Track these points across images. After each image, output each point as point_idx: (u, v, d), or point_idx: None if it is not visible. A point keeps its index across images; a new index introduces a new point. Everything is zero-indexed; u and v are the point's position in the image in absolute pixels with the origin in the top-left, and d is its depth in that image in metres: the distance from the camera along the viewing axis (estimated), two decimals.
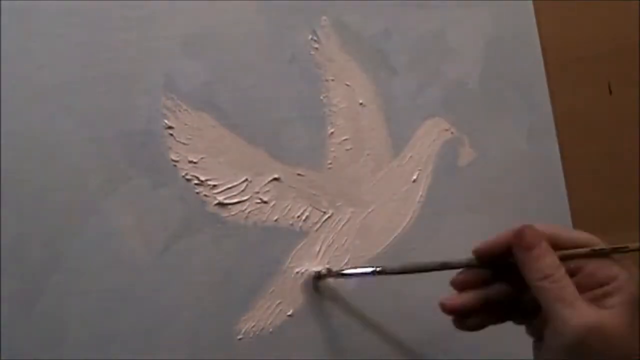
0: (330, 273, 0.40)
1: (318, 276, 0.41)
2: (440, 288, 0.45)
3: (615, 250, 0.32)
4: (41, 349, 0.35)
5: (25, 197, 0.35)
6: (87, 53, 0.37)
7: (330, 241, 0.42)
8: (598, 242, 0.32)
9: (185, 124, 0.38)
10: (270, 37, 0.41)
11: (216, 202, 0.39)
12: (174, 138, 0.38)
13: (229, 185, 0.39)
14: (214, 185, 0.39)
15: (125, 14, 0.38)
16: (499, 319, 0.35)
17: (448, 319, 0.45)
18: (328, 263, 0.42)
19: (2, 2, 0.35)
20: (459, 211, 0.46)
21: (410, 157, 0.45)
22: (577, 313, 0.29)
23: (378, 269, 0.38)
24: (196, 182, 0.38)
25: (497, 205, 0.47)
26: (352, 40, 0.44)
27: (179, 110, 0.38)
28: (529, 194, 0.49)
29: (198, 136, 0.39)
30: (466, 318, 0.35)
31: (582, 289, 0.31)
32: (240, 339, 0.39)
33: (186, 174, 0.38)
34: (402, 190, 0.45)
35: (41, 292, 0.35)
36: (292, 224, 0.41)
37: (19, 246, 0.35)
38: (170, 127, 0.38)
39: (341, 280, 0.42)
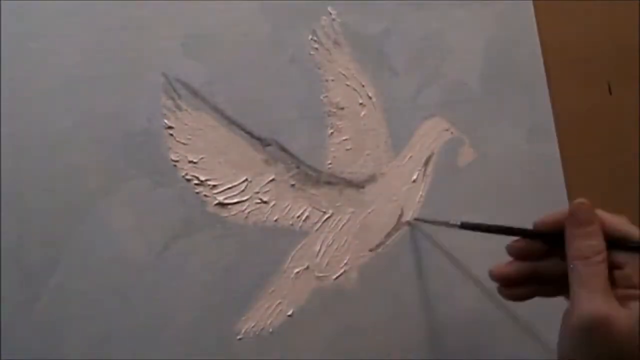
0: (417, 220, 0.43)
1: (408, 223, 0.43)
2: (441, 288, 0.45)
3: None
4: (41, 349, 0.35)
5: (25, 197, 0.35)
6: (87, 53, 0.37)
7: (330, 241, 0.42)
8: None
9: (185, 124, 0.38)
10: (270, 37, 0.41)
11: (216, 202, 0.39)
12: (174, 138, 0.38)
13: (229, 185, 0.39)
14: (214, 185, 0.39)
15: (125, 14, 0.38)
16: (549, 292, 0.35)
17: (448, 319, 0.45)
18: (328, 264, 0.42)
19: (2, 2, 0.35)
20: (459, 211, 0.46)
21: (410, 157, 0.45)
22: (590, 300, 0.29)
23: (459, 222, 0.39)
24: (196, 182, 0.38)
25: (497, 205, 0.47)
26: (352, 40, 0.44)
27: (179, 110, 0.38)
28: (529, 194, 0.49)
29: (198, 136, 0.39)
30: (513, 287, 0.35)
31: (615, 283, 0.30)
32: (240, 339, 0.39)
33: (186, 174, 0.38)
34: (402, 190, 0.45)
35: (41, 293, 0.35)
36: (292, 224, 0.41)
37: (19, 246, 0.35)
38: (170, 127, 0.38)
39: (341, 280, 0.42)
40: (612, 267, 0.31)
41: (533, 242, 0.35)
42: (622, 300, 0.30)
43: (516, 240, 0.35)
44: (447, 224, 0.40)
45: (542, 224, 0.34)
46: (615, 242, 0.32)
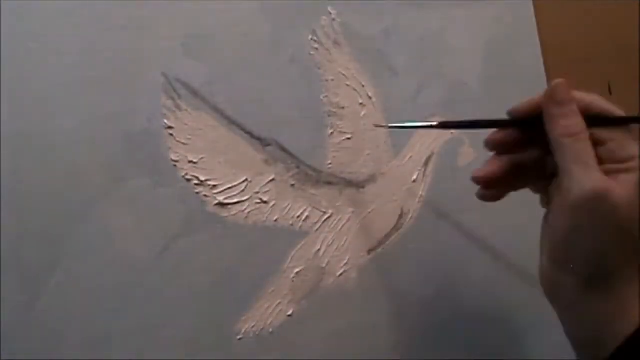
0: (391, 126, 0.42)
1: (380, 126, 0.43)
2: (440, 288, 0.45)
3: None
4: (41, 349, 0.35)
5: (25, 197, 0.35)
6: (87, 53, 0.37)
7: (330, 241, 0.42)
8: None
9: (185, 124, 0.38)
10: (270, 37, 0.41)
11: (216, 202, 0.39)
12: (174, 138, 0.38)
13: (229, 185, 0.39)
14: (214, 185, 0.39)
15: (125, 14, 0.38)
16: (520, 184, 0.35)
17: (448, 319, 0.45)
18: (328, 263, 0.42)
19: (2, 2, 0.35)
20: (459, 211, 0.46)
21: (410, 157, 0.45)
22: (589, 175, 0.29)
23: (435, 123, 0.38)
24: (196, 182, 0.38)
25: (496, 205, 0.47)
26: (352, 40, 0.44)
27: (179, 110, 0.38)
28: (528, 194, 0.49)
29: (198, 136, 0.39)
30: (491, 189, 0.35)
31: (599, 161, 0.30)
32: (240, 339, 0.39)
33: (186, 174, 0.38)
34: (402, 190, 0.45)
35: (41, 292, 0.35)
36: (292, 224, 0.41)
37: (19, 246, 0.35)
38: (170, 127, 0.38)
39: (341, 280, 0.42)
40: (593, 144, 0.31)
41: (511, 132, 0.34)
42: (610, 176, 0.30)
43: (494, 133, 0.35)
44: (424, 127, 0.40)
45: (517, 112, 0.34)
46: (594, 120, 0.31)
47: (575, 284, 0.30)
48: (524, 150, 0.34)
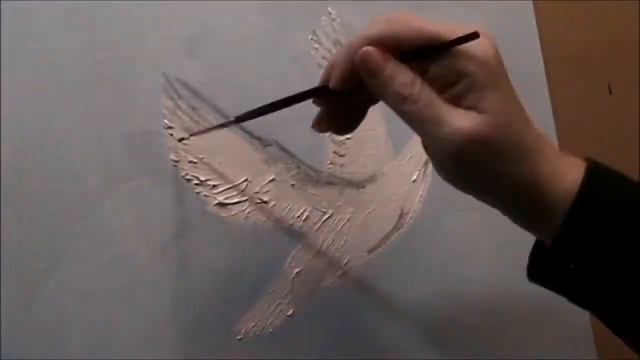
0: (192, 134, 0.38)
1: (180, 139, 0.38)
2: (440, 288, 0.45)
3: (460, 40, 0.27)
4: (41, 349, 0.35)
5: (25, 198, 0.35)
6: (87, 53, 0.37)
7: (330, 241, 0.42)
8: (444, 35, 0.28)
9: (186, 124, 0.38)
10: (270, 37, 0.41)
11: (216, 202, 0.39)
12: (174, 138, 0.38)
13: (229, 185, 0.39)
14: (214, 185, 0.39)
15: (125, 14, 0.38)
16: (366, 106, 0.33)
17: (448, 320, 0.45)
18: (328, 263, 0.42)
19: (2, 2, 0.35)
20: (459, 211, 0.46)
21: (410, 157, 0.45)
22: (446, 130, 0.27)
23: (232, 118, 0.36)
24: (196, 182, 0.38)
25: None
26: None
27: (179, 110, 0.38)
28: None
29: (198, 136, 0.39)
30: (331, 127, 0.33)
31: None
32: (240, 339, 0.39)
33: (186, 174, 0.38)
34: (402, 190, 0.45)
35: (41, 293, 0.35)
36: (292, 224, 0.41)
37: (19, 246, 0.35)
38: (170, 127, 0.38)
39: (341, 280, 0.42)
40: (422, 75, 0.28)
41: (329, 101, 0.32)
42: (454, 105, 0.27)
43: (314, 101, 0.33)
44: (221, 126, 0.37)
45: (331, 84, 0.30)
46: (408, 55, 0.28)
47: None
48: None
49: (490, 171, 0.28)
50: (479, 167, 0.28)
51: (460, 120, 0.27)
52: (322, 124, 0.33)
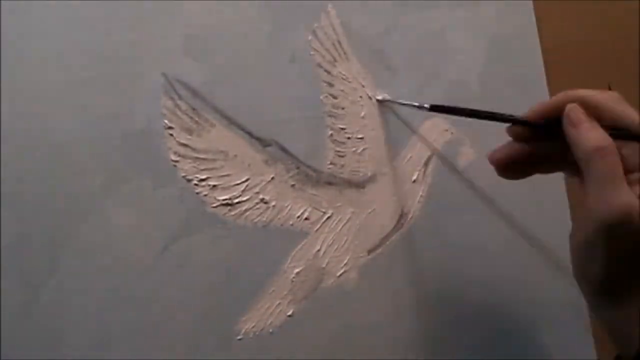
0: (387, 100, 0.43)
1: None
2: (440, 288, 0.45)
3: None
4: (41, 349, 0.35)
5: (25, 197, 0.35)
6: (87, 53, 0.37)
7: (330, 241, 0.42)
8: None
9: (186, 124, 0.38)
10: (270, 37, 0.41)
11: (216, 202, 0.39)
12: (174, 138, 0.38)
13: (229, 185, 0.39)
14: (214, 185, 0.39)
15: (125, 14, 0.38)
16: (547, 169, 0.35)
17: (448, 320, 0.45)
18: (328, 263, 0.42)
19: (2, 2, 0.35)
20: (459, 211, 0.46)
21: (410, 157, 0.45)
22: (620, 193, 0.28)
23: (427, 105, 0.39)
24: (196, 182, 0.38)
25: (497, 205, 0.47)
26: (352, 40, 0.44)
27: (179, 110, 0.38)
28: (528, 194, 0.49)
29: (198, 136, 0.39)
30: (508, 172, 0.35)
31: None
32: (240, 339, 0.39)
33: (186, 174, 0.38)
34: (402, 190, 0.45)
35: (41, 292, 0.35)
36: (292, 224, 0.41)
37: (19, 246, 0.35)
38: (170, 127, 0.38)
39: (341, 280, 0.42)
40: None
41: (530, 130, 0.34)
42: (633, 187, 0.29)
43: (513, 126, 0.35)
44: (416, 106, 0.40)
45: (534, 113, 0.33)
46: (615, 134, 0.30)
47: (591, 292, 0.31)
48: (546, 141, 0.33)
49: (619, 258, 0.29)
50: (616, 247, 0.29)
51: (631, 197, 0.28)
52: (497, 156, 0.35)
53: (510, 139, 0.35)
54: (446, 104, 0.47)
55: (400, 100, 0.43)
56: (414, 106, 0.41)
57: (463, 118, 0.47)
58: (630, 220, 0.28)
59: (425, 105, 0.39)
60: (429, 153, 0.46)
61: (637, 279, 0.29)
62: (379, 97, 0.44)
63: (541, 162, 0.34)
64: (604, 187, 0.29)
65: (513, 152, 0.34)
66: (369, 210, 0.43)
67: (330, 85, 0.43)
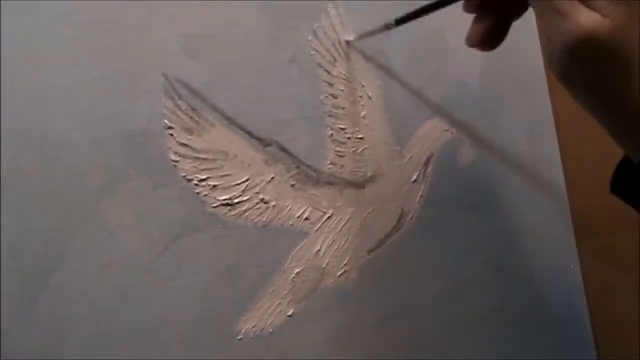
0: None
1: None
2: (440, 288, 0.45)
3: None
4: (41, 349, 0.35)
5: (25, 197, 0.35)
6: (87, 53, 0.37)
7: (330, 241, 0.42)
8: None
9: (186, 124, 0.38)
10: (270, 37, 0.41)
11: (216, 202, 0.39)
12: (174, 138, 0.38)
13: (229, 185, 0.39)
14: (214, 185, 0.39)
15: (125, 14, 0.38)
16: (517, 13, 0.36)
17: (448, 320, 0.45)
18: (328, 263, 0.42)
19: (2, 2, 0.35)
20: (459, 211, 0.46)
21: (410, 157, 0.45)
22: (568, 23, 0.28)
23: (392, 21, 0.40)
24: (196, 182, 0.38)
25: (497, 205, 0.47)
26: (352, 40, 0.44)
27: (179, 110, 0.38)
28: (529, 194, 0.49)
29: (198, 136, 0.39)
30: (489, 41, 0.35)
31: None
32: (240, 339, 0.39)
33: (186, 174, 0.38)
34: (402, 190, 0.45)
35: (41, 292, 0.35)
36: (292, 224, 0.41)
37: (19, 246, 0.35)
38: (170, 127, 0.38)
39: (341, 280, 0.42)
40: None
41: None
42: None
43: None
44: (382, 29, 0.41)
45: None
46: None
47: (587, 108, 0.31)
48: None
49: (596, 73, 0.29)
50: (587, 67, 0.29)
51: (583, 17, 0.28)
52: (471, 39, 0.36)
53: (472, 17, 0.36)
54: (446, 103, 0.47)
55: (366, 30, 0.42)
56: (381, 29, 0.41)
57: (463, 118, 0.47)
58: (581, 44, 0.28)
59: (391, 22, 0.40)
60: (429, 153, 0.46)
61: (621, 84, 0.29)
62: (348, 39, 0.43)
63: (509, 14, 0.35)
64: (555, 20, 0.29)
65: (482, 26, 0.35)
66: (369, 210, 0.43)
67: (330, 85, 0.43)
